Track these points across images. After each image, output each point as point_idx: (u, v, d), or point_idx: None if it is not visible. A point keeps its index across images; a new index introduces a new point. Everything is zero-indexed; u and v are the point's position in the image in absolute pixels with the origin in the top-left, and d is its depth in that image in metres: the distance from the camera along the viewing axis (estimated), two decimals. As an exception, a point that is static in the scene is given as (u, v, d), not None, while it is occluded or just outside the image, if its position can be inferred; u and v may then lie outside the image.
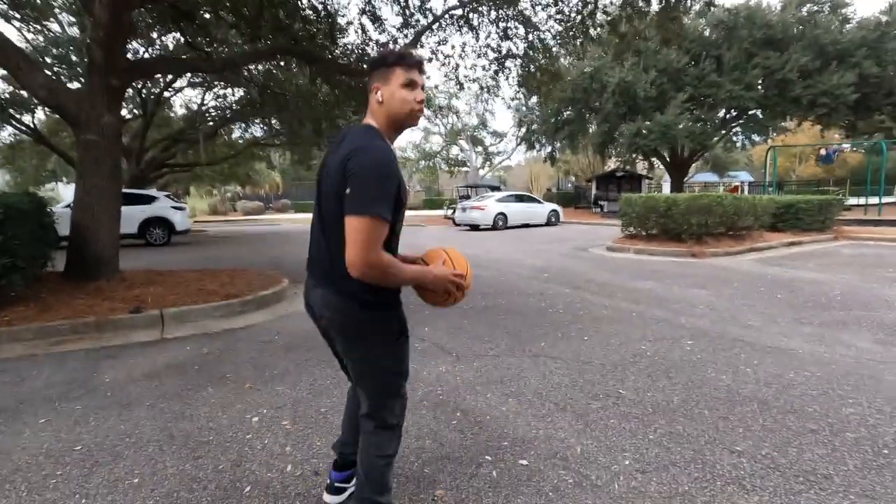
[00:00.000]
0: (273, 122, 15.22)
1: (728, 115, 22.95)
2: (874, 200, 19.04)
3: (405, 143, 40.29)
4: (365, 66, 7.89)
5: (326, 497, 1.86)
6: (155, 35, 10.25)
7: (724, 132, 24.04)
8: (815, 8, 19.79)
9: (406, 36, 7.56)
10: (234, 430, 2.53)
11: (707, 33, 19.99)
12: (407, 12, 7.48)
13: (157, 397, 2.97)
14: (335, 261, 1.39)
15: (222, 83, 13.09)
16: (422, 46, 7.18)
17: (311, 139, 12.14)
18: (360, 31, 7.41)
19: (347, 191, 1.29)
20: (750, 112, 21.89)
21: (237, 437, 2.45)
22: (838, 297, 5.47)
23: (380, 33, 7.19)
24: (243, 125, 17.54)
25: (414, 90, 1.43)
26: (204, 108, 16.48)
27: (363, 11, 7.18)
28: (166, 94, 15.22)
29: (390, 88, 1.41)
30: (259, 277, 6.25)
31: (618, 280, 6.74)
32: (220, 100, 15.76)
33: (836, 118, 20.74)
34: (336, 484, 1.85)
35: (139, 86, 13.44)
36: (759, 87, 19.79)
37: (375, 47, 7.39)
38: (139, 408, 2.82)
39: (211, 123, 16.34)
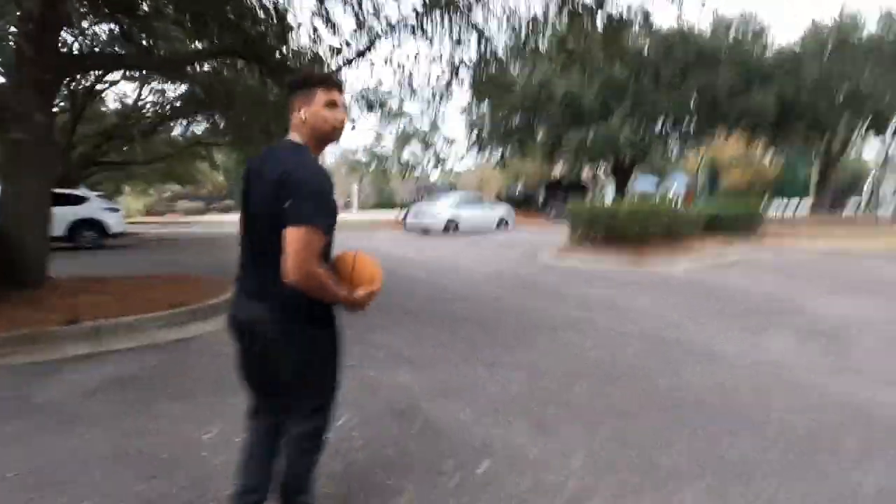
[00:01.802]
0: (218, 120, 14.63)
1: (665, 127, 24.37)
2: (791, 209, 20.84)
3: (356, 145, 39.81)
4: (317, 68, 7.79)
5: None
6: (86, 25, 9.62)
7: (661, 141, 25.50)
8: (740, 35, 21.44)
9: (359, 40, 7.53)
10: (190, 446, 2.46)
11: (647, 51, 21.15)
12: (360, 17, 7.46)
13: (102, 415, 2.83)
14: (271, 276, 1.42)
15: (163, 78, 12.45)
16: (375, 50, 7.20)
17: (260, 139, 11.80)
18: (312, 34, 7.29)
19: (287, 204, 1.36)
20: (685, 124, 23.36)
21: (193, 454, 2.39)
22: (763, 303, 5.99)
23: (334, 35, 7.12)
24: (185, 122, 16.74)
25: (335, 110, 1.52)
26: (140, 103, 15.58)
27: (316, 14, 7.09)
28: (99, 86, 14.27)
29: (313, 108, 1.50)
30: (207, 285, 6.02)
31: (566, 287, 7.03)
32: (158, 95, 14.96)
33: (760, 132, 22.60)
34: None
35: (68, 77, 12.53)
36: (693, 102, 21.18)
37: (329, 51, 7.32)
38: (81, 426, 2.68)
39: (149, 119, 15.48)
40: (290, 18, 7.32)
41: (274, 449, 1.69)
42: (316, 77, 1.56)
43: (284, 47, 7.22)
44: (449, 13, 7.34)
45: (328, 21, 7.19)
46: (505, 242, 14.01)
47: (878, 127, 23.22)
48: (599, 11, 5.91)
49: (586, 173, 30.79)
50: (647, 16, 5.88)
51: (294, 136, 1.53)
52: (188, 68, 8.70)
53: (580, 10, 6.02)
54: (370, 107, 10.00)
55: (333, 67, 7.36)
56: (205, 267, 8.42)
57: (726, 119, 21.10)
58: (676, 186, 31.62)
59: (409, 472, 2.24)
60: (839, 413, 2.89)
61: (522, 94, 20.75)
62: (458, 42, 7.78)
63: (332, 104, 1.51)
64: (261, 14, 6.92)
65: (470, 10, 7.16)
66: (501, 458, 2.36)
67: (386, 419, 2.77)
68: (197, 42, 7.28)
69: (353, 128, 9.75)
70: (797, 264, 9.36)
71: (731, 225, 12.65)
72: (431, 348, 4.11)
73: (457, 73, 8.49)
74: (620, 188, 26.18)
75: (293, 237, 1.35)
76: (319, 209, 1.40)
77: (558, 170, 31.23)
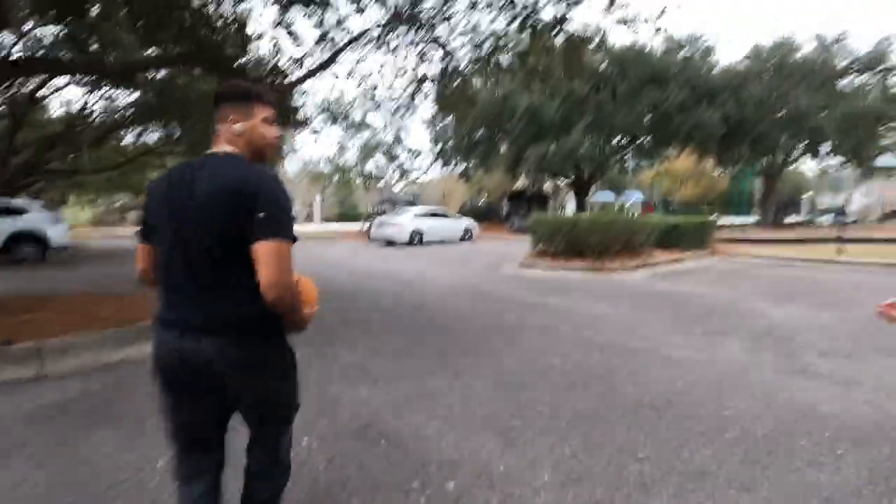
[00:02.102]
0: (173, 129, 14.10)
1: (622, 141, 25.31)
2: (739, 221, 21.97)
3: (317, 157, 39.32)
4: (277, 80, 7.66)
5: None
6: (28, 27, 9.11)
7: (619, 156, 26.46)
8: (689, 54, 22.63)
9: (322, 52, 7.47)
10: (139, 474, 2.30)
11: (604, 68, 21.98)
12: (322, 29, 7.40)
13: (43, 443, 2.61)
14: (226, 301, 1.34)
15: (113, 85, 11.90)
16: (338, 63, 7.15)
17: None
18: (274, 44, 7.18)
19: (260, 216, 1.28)
20: (640, 139, 24.34)
21: (143, 483, 2.23)
22: (715, 309, 6.23)
23: (296, 46, 7.03)
24: (137, 130, 16.04)
25: (271, 126, 1.50)
26: (87, 110, 14.80)
27: (278, 24, 6.99)
28: (43, 91, 13.49)
29: (251, 122, 1.46)
30: (155, 301, 5.73)
31: (531, 296, 7.10)
32: (108, 101, 14.26)
33: (708, 148, 23.84)
34: None
35: (7, 82, 11.80)
36: (647, 118, 22.12)
37: (292, 62, 7.22)
38: (20, 457, 2.46)
39: (96, 127, 14.72)
40: (250, 28, 7.20)
41: (219, 496, 1.57)
42: (254, 91, 1.49)
43: (244, 57, 7.07)
44: (413, 28, 7.39)
45: (290, 32, 7.10)
46: (469, 253, 14.08)
47: (813, 145, 24.92)
48: (560, 29, 6.09)
49: (548, 186, 31.51)
50: (603, 34, 6.11)
51: (228, 148, 1.43)
52: (141, 75, 8.38)
53: (541, 28, 6.19)
54: (334, 119, 9.89)
55: (294, 78, 7.26)
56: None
57: (678, 135, 22.13)
58: (633, 199, 32.77)
59: (376, 492, 2.17)
60: (792, 414, 3.01)
61: (485, 108, 21.12)
62: (423, 56, 7.85)
63: (268, 120, 1.48)
64: (219, 22, 6.76)
65: (433, 25, 7.23)
66: (469, 473, 2.32)
67: (349, 437, 2.69)
68: (151, 48, 7.01)
69: (316, 140, 9.60)
70: (746, 272, 9.83)
71: (685, 236, 13.17)
72: (395, 361, 4.04)
73: (420, 87, 8.55)
74: (580, 200, 26.92)
75: (272, 251, 1.28)
76: (291, 221, 1.35)
77: (521, 182, 31.83)
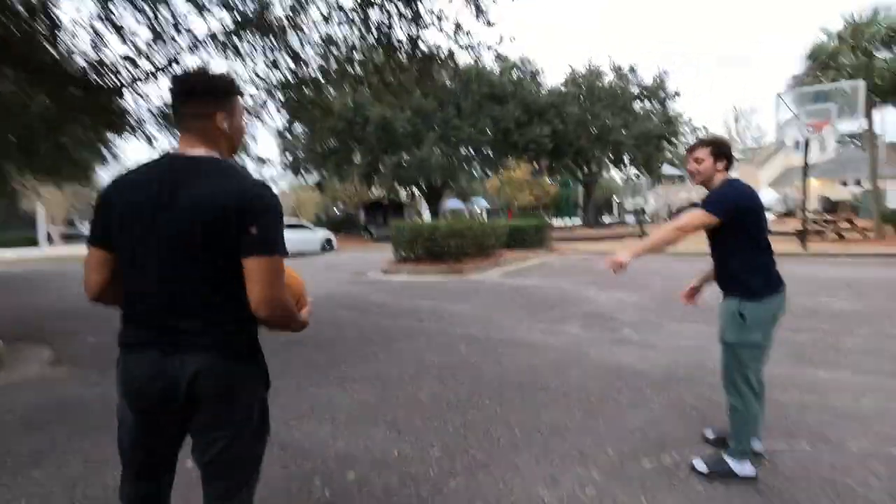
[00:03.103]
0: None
1: (468, 153, 27.32)
2: (568, 222, 25.37)
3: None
4: (101, 78, 6.77)
5: None
6: None
7: (465, 167, 28.49)
8: (521, 75, 25.50)
9: (159, 53, 6.80)
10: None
11: (449, 85, 23.53)
12: (156, 27, 6.77)
13: None
14: (209, 313, 1.25)
15: None
16: (178, 64, 6.57)
17: (20, 159, 9.49)
18: (96, 40, 6.29)
19: (253, 231, 1.20)
20: (484, 151, 26.57)
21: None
22: (557, 299, 7.27)
23: (127, 46, 6.28)
24: None
25: (243, 119, 1.42)
26: None
27: (102, 18, 6.18)
28: None
29: (235, 119, 1.37)
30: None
31: (397, 301, 7.42)
32: None
33: (541, 159, 27.14)
34: None
35: None
36: (489, 132, 24.30)
37: (121, 60, 6.42)
38: None
39: None
40: (64, 18, 6.24)
41: None
42: (233, 84, 1.37)
43: (54, 50, 6.10)
44: (262, 34, 7.18)
45: (117, 27, 6.33)
46: (332, 263, 13.90)
47: (617, 157, 29.97)
48: (414, 47, 6.53)
49: (404, 195, 32.38)
50: (452, 54, 6.71)
51: (211, 150, 1.31)
52: None
53: (395, 44, 6.56)
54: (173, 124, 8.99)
55: (129, 80, 6.50)
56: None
57: (517, 148, 24.77)
58: (479, 206, 35.36)
59: (278, 499, 2.22)
60: (616, 373, 3.80)
61: (339, 118, 21.00)
62: (274, 64, 7.65)
63: (242, 113, 1.39)
64: (21, 9, 5.75)
65: (285, 33, 7.12)
66: (366, 462, 2.51)
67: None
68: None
69: (153, 147, 8.60)
70: (576, 266, 11.52)
71: (527, 237, 14.86)
72: (275, 376, 3.97)
73: (272, 95, 8.29)
74: (433, 208, 28.29)
75: (265, 267, 1.21)
76: (282, 236, 1.28)
77: (376, 192, 32.16)
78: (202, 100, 1.30)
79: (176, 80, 1.35)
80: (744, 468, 2.24)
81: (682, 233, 2.20)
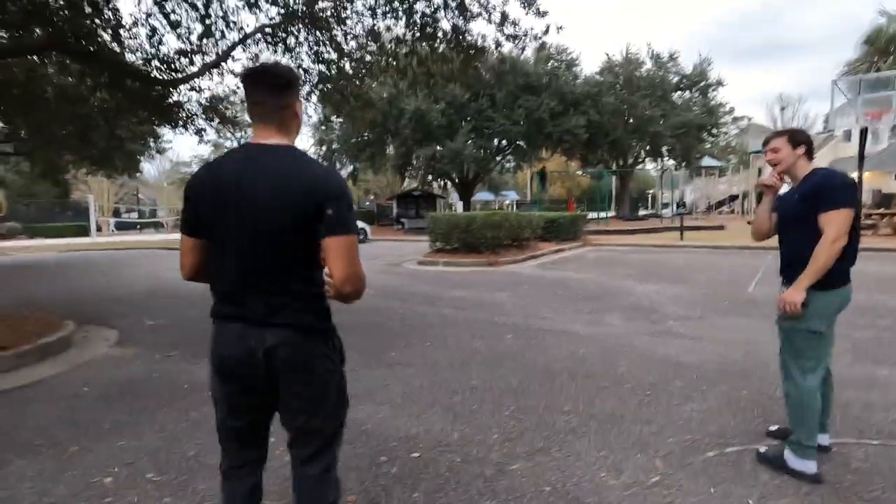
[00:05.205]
0: (5, 126, 11.97)
1: (501, 145, 27.12)
2: (602, 214, 24.93)
3: (189, 156, 35.77)
4: (158, 72, 7.05)
5: None
6: None
7: (498, 158, 28.30)
8: (557, 65, 25.05)
9: (210, 48, 7.03)
10: (84, 497, 2.17)
11: (485, 76, 23.39)
12: (207, 21, 6.99)
13: (-63, 486, 2.29)
14: (287, 292, 1.35)
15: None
16: (234, 60, 6.79)
17: (77, 150, 9.98)
18: (151, 34, 6.55)
19: (330, 212, 1.28)
20: (517, 143, 26.32)
21: None
22: (596, 290, 7.21)
23: (181, 41, 6.51)
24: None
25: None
26: None
27: (156, 13, 6.43)
28: None
29: (300, 108, 1.47)
30: (28, 322, 5.01)
31: (436, 290, 7.50)
32: None
33: (575, 151, 26.70)
34: None
35: None
36: (523, 123, 24.02)
37: (174, 54, 6.68)
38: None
39: None
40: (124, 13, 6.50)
41: (260, 492, 1.56)
42: (294, 72, 1.48)
43: (119, 45, 6.38)
44: (308, 27, 7.32)
45: (171, 22, 6.58)
46: (367, 254, 14.11)
47: (655, 148, 29.16)
48: (460, 39, 6.53)
49: (437, 187, 32.48)
50: (499, 44, 6.68)
51: (284, 139, 1.40)
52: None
53: (441, 35, 6.58)
54: (227, 120, 9.26)
55: (182, 75, 6.75)
56: (5, 300, 6.90)
57: (551, 139, 24.41)
58: (510, 198, 35.03)
59: (348, 472, 2.31)
60: (665, 365, 3.77)
61: (376, 110, 21.21)
62: (318, 57, 7.79)
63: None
64: (84, 4, 6.03)
65: (330, 26, 7.23)
66: (429, 443, 2.58)
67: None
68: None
69: (200, 141, 8.90)
70: (612, 258, 11.35)
71: (562, 229, 14.70)
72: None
73: (316, 87, 8.45)
74: (466, 200, 28.26)
75: (345, 245, 1.30)
76: (354, 216, 1.38)
77: (409, 184, 32.38)
78: (283, 91, 1.38)
79: (254, 72, 1.43)
80: (804, 465, 2.16)
81: (843, 241, 2.06)
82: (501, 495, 2.11)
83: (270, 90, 1.38)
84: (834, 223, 2.06)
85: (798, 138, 2.21)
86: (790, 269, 2.25)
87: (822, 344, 2.21)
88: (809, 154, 2.22)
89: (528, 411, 2.97)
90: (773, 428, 2.61)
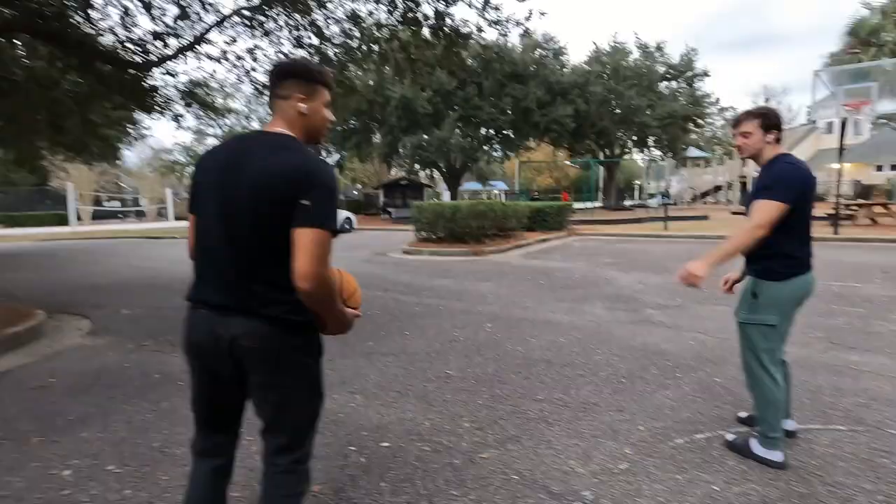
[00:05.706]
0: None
1: (488, 133, 27.02)
2: (588, 204, 25.02)
3: (172, 144, 35.15)
4: (137, 55, 6.84)
5: None
6: None
7: (485, 148, 28.20)
8: (544, 53, 24.93)
9: (185, 30, 6.83)
10: (41, 490, 2.11)
11: (471, 63, 23.19)
12: (182, 3, 6.78)
13: None
14: (259, 280, 1.31)
15: None
16: (211, 44, 6.61)
17: (49, 135, 9.68)
18: (124, 15, 6.34)
19: (305, 202, 1.24)
20: (504, 132, 26.23)
21: (50, 496, 2.06)
22: (578, 279, 7.23)
23: (155, 23, 6.31)
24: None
25: (328, 111, 1.48)
26: None
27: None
28: None
29: (315, 105, 1.42)
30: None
31: (419, 280, 7.46)
32: None
33: (562, 141, 26.68)
34: None
35: None
36: (510, 112, 23.93)
37: (148, 35, 6.48)
38: None
39: None
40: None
41: (223, 496, 1.54)
42: (320, 72, 1.45)
43: (89, 25, 6.17)
44: (287, 10, 7.14)
45: (145, 4, 6.37)
46: (353, 243, 14.00)
47: (641, 139, 29.28)
48: (441, 24, 6.42)
49: (424, 176, 32.31)
50: (480, 29, 6.59)
51: (284, 129, 1.38)
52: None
53: (423, 20, 6.47)
54: (206, 106, 9.05)
55: (156, 57, 6.56)
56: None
57: (538, 129, 24.36)
58: (497, 188, 35.02)
59: (315, 462, 2.27)
60: (643, 353, 3.78)
61: (360, 98, 20.94)
62: (299, 41, 7.62)
63: (328, 105, 1.46)
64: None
65: (310, 10, 7.07)
66: (399, 432, 2.56)
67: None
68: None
69: (178, 126, 8.70)
70: (597, 248, 11.40)
71: (547, 219, 14.73)
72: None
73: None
74: (453, 190, 28.17)
75: (312, 239, 1.23)
76: (335, 213, 1.30)
77: (396, 173, 32.17)
78: (284, 82, 1.40)
79: (274, 65, 1.51)
80: (770, 454, 2.17)
81: (763, 230, 2.05)
82: (469, 484, 2.09)
83: (273, 80, 1.43)
84: (761, 211, 2.07)
85: (770, 122, 2.18)
86: (749, 259, 2.26)
87: (775, 337, 2.19)
88: (778, 138, 2.21)
89: (502, 400, 2.96)
90: (744, 415, 2.63)
